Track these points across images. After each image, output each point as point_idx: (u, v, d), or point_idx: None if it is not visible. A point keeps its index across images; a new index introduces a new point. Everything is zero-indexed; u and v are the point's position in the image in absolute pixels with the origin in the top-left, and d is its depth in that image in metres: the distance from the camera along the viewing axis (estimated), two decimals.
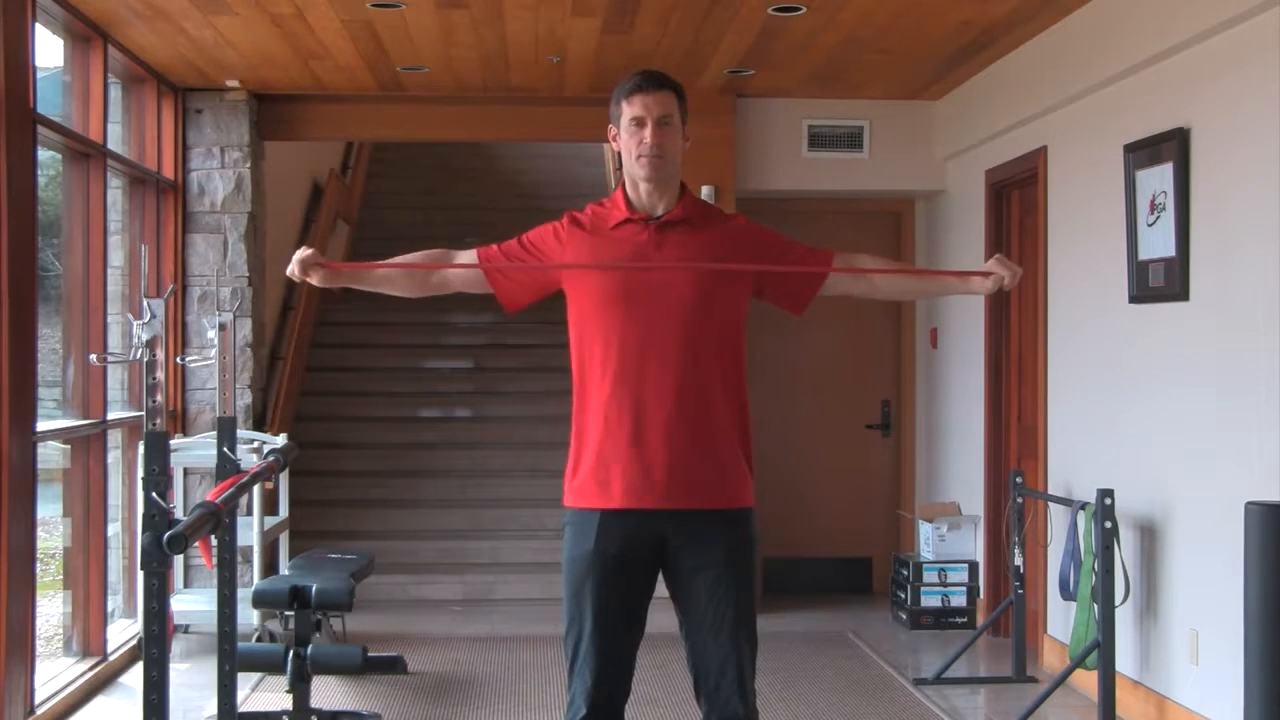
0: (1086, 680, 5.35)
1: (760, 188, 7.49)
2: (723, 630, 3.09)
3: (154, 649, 3.22)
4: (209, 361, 5.28)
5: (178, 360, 6.46)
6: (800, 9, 5.59)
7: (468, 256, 3.24)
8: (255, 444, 6.40)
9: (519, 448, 8.81)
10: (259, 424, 7.40)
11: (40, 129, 5.19)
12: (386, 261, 3.28)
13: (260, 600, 5.01)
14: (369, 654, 5.10)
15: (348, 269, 3.20)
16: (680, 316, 3.09)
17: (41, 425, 5.24)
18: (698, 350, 3.10)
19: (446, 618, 7.25)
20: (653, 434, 3.07)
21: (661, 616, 3.29)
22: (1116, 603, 5.01)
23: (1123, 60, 5.19)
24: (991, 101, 6.65)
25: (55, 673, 5.54)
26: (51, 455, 5.78)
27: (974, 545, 7.03)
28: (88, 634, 5.83)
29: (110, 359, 5.71)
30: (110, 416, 6.02)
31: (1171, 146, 4.86)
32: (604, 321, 3.11)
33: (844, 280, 3.25)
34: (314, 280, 3.18)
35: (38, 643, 5.21)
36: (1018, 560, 5.89)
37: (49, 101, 5.51)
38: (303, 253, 3.16)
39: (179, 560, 6.60)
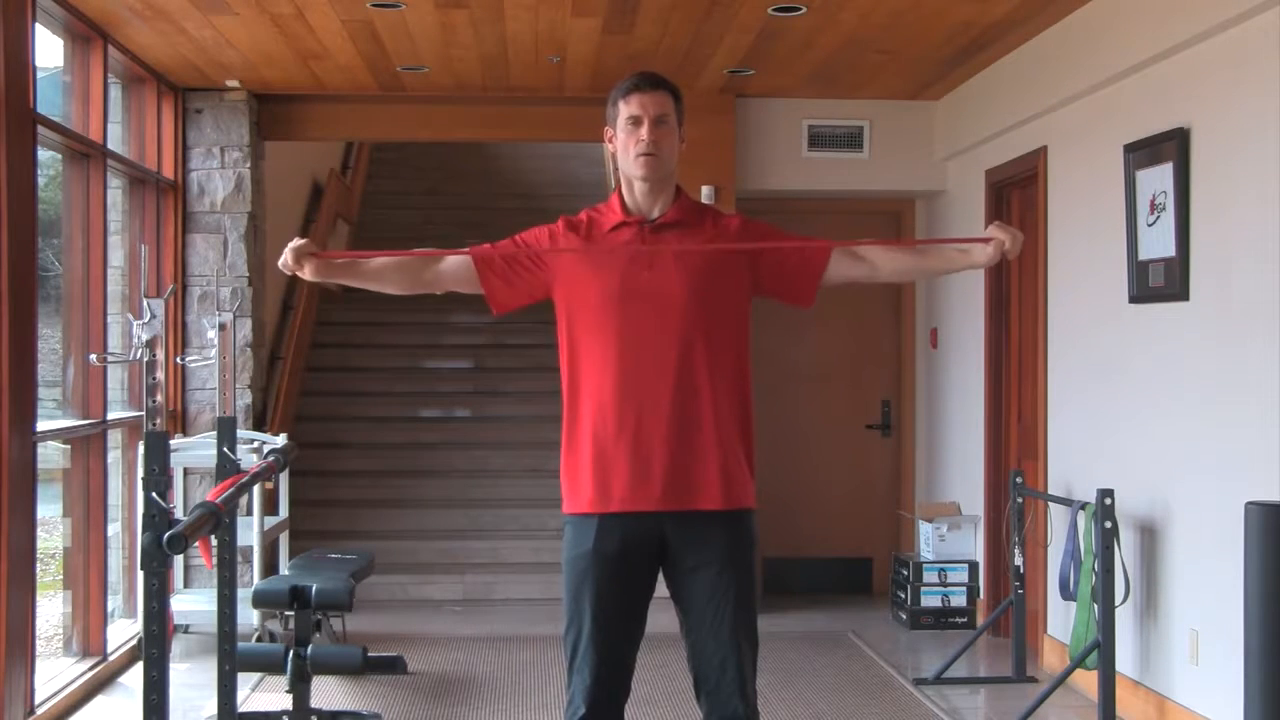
0: (1086, 680, 5.35)
1: (760, 188, 7.49)
2: (723, 629, 3.08)
3: (154, 649, 3.21)
4: (209, 361, 5.29)
5: (178, 360, 6.46)
6: (800, 9, 5.59)
7: (461, 257, 3.22)
8: (255, 444, 6.40)
9: (519, 447, 8.81)
10: (259, 424, 7.40)
11: (40, 129, 5.19)
12: (378, 251, 3.26)
13: (260, 600, 5.01)
14: (369, 654, 5.09)
15: (339, 258, 3.20)
16: (677, 317, 3.09)
17: (41, 425, 5.24)
18: (695, 351, 3.09)
19: (446, 618, 7.25)
20: (651, 436, 3.07)
21: (661, 616, 3.29)
22: (1116, 603, 5.01)
23: (1123, 60, 5.19)
24: (991, 101, 6.65)
25: (55, 673, 5.54)
26: (51, 455, 5.78)
27: (974, 545, 7.02)
28: (88, 634, 5.83)
29: (110, 359, 5.71)
30: (110, 416, 6.02)
31: (1171, 146, 4.86)
32: (600, 324, 3.11)
33: (844, 267, 3.16)
34: (306, 273, 3.12)
35: (38, 643, 5.21)
36: (1018, 560, 5.89)
37: (49, 101, 5.51)
38: (296, 243, 3.13)
39: (179, 560, 6.60)
